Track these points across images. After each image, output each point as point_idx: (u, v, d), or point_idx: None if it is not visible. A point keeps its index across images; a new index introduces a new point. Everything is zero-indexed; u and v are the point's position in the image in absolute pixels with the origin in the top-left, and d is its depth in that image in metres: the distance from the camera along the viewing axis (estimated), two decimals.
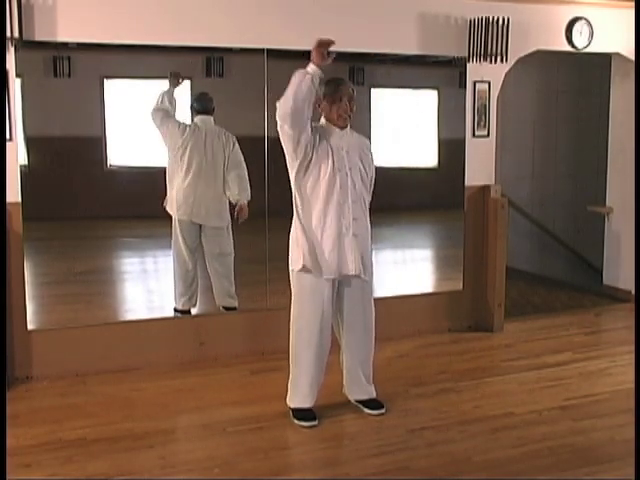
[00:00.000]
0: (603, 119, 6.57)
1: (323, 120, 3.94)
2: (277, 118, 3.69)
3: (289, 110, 3.60)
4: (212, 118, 5.31)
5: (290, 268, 3.97)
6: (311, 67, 3.60)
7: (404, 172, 6.70)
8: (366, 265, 3.97)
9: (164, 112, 5.20)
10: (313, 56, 3.61)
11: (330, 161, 3.83)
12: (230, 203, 5.34)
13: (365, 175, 3.97)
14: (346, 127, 3.93)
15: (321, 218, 3.85)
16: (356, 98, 3.95)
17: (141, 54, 5.18)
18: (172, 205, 5.28)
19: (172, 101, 5.23)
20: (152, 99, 5.25)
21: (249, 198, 5.32)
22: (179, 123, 5.24)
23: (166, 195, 5.28)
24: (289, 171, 3.88)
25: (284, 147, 3.81)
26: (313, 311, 3.92)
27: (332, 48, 3.64)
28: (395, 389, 4.43)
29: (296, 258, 3.92)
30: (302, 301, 3.95)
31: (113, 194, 5.87)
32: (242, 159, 5.32)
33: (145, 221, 5.88)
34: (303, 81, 3.57)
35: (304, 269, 3.88)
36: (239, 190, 5.31)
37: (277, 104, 3.66)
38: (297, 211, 3.92)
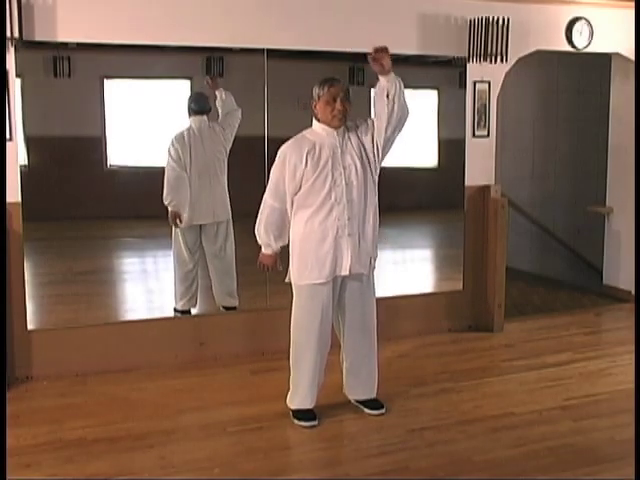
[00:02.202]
0: (603, 119, 6.57)
1: (315, 123, 3.93)
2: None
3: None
4: (206, 117, 5.33)
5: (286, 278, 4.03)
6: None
7: (404, 172, 6.71)
8: (362, 260, 3.95)
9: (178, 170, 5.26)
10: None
11: (323, 164, 3.83)
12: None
13: (362, 173, 3.91)
14: (341, 127, 3.92)
15: (316, 221, 3.85)
16: (351, 97, 3.93)
17: (141, 54, 5.18)
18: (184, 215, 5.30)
19: None
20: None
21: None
22: (181, 145, 5.23)
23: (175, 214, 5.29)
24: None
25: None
26: (313, 312, 3.92)
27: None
28: (395, 389, 4.43)
29: (293, 271, 3.96)
30: (302, 303, 3.95)
31: (113, 194, 5.87)
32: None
33: (145, 221, 5.89)
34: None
35: (301, 282, 3.93)
36: None
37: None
38: (292, 218, 3.95)
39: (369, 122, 3.92)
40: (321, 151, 3.85)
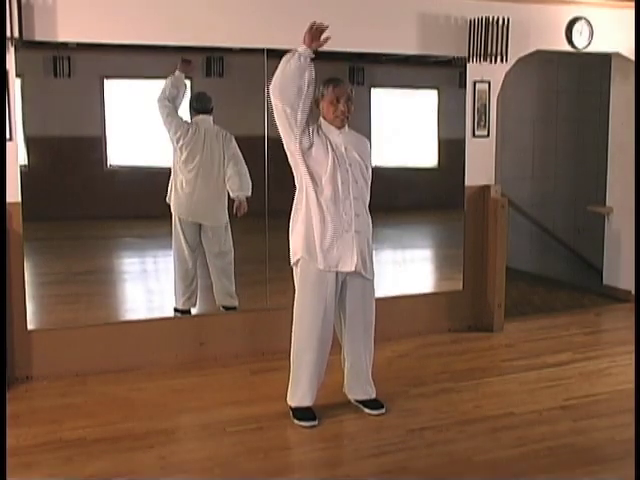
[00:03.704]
0: (603, 119, 6.57)
1: (322, 120, 3.95)
2: (270, 97, 3.74)
3: (277, 85, 3.68)
4: (211, 118, 5.32)
5: (291, 261, 3.97)
6: (301, 47, 3.69)
7: (404, 172, 6.71)
8: (366, 262, 3.98)
9: (170, 108, 5.19)
10: (305, 38, 3.70)
11: (330, 157, 3.84)
12: (229, 199, 5.35)
13: (365, 171, 3.98)
14: (344, 127, 3.94)
15: (323, 214, 3.85)
16: (354, 98, 3.95)
17: (141, 54, 5.18)
18: (172, 202, 5.30)
19: (180, 87, 5.21)
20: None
21: (249, 194, 5.35)
22: (182, 122, 5.23)
23: (167, 190, 5.29)
24: (291, 163, 3.87)
25: (281, 131, 3.79)
26: (316, 306, 3.90)
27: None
28: (395, 389, 4.43)
29: (295, 249, 3.93)
30: (305, 295, 3.93)
31: (113, 194, 5.87)
32: (240, 155, 5.33)
33: (145, 221, 5.88)
34: (291, 59, 3.68)
35: (303, 259, 3.89)
36: (238, 186, 5.34)
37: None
38: (299, 206, 3.92)
39: (369, 161, 4.04)
40: (327, 143, 3.86)
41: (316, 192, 3.85)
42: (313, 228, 3.86)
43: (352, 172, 3.90)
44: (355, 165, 3.92)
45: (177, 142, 5.22)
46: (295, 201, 3.94)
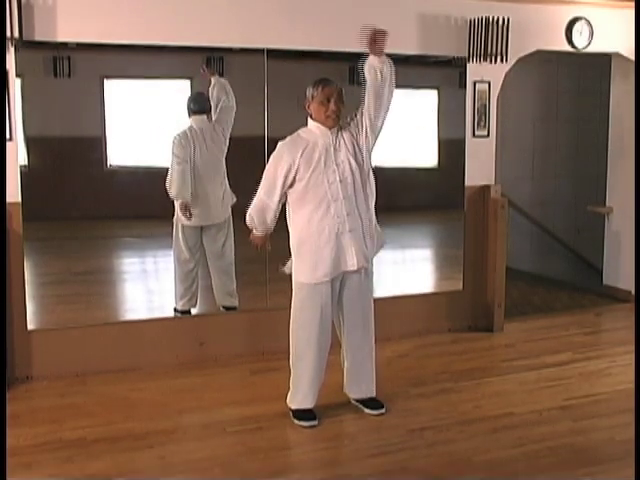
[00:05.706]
0: (603, 119, 6.57)
1: (310, 122, 3.95)
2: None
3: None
4: (206, 117, 5.33)
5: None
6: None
7: (404, 172, 6.71)
8: (367, 256, 3.97)
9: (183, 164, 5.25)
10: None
11: (316, 162, 3.85)
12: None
13: (355, 167, 3.92)
14: (335, 126, 3.94)
15: (314, 219, 3.86)
16: (350, 97, 3.95)
17: (141, 54, 5.18)
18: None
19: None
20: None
21: None
22: (185, 143, 5.23)
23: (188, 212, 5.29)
24: None
25: None
26: (313, 312, 3.92)
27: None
28: (395, 389, 4.43)
29: (294, 269, 3.98)
30: (302, 302, 3.96)
31: (113, 194, 5.87)
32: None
33: (145, 221, 5.89)
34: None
35: (301, 280, 3.93)
36: None
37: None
38: (290, 218, 3.97)
39: (359, 110, 3.95)
40: (314, 149, 3.88)
41: (306, 200, 3.87)
42: (307, 239, 3.88)
43: (339, 172, 3.88)
44: (343, 164, 3.89)
45: (189, 158, 5.23)
46: (287, 214, 3.99)
